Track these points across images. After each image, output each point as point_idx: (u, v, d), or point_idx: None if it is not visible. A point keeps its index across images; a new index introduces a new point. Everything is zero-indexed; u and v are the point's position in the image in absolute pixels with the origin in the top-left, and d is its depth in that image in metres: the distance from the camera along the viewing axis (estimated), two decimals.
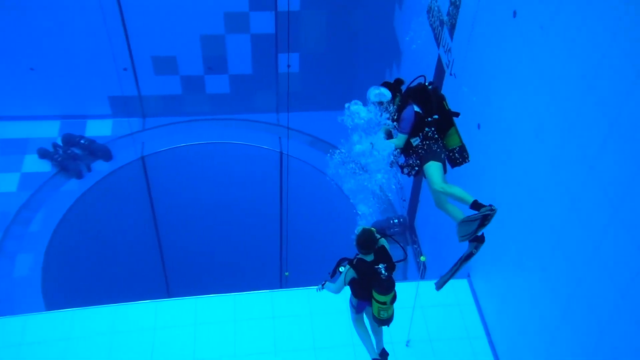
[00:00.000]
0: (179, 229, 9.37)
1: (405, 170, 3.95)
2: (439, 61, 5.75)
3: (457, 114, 3.84)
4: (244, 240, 9.64)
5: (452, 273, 3.76)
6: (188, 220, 9.33)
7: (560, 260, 3.71)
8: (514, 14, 4.00)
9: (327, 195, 8.15)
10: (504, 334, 4.74)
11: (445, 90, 5.59)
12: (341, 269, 3.92)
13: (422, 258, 5.38)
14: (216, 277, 9.94)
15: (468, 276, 5.38)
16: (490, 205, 3.40)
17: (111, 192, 8.09)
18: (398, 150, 3.86)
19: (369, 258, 3.75)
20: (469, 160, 3.85)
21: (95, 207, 7.88)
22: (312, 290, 5.29)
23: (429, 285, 5.27)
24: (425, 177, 3.93)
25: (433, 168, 3.75)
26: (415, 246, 6.97)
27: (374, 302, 3.75)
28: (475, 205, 3.45)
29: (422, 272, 6.16)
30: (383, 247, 3.80)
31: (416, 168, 3.87)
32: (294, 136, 8.40)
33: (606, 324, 3.23)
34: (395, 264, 3.81)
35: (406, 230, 7.24)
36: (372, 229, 3.85)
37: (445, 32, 5.50)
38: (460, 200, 3.56)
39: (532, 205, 4.08)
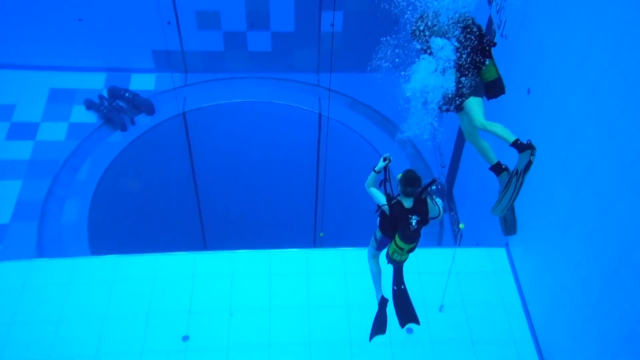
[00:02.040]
0: (217, 184, 9.53)
1: (444, 107, 3.97)
2: (490, 21, 5.50)
3: (494, 44, 3.79)
4: (279, 199, 9.74)
5: (514, 192, 3.65)
6: (226, 176, 9.48)
7: (607, 230, 3.59)
8: None
9: (365, 158, 8.10)
10: (541, 305, 4.68)
11: (495, 52, 5.38)
12: (371, 177, 3.92)
13: (461, 225, 5.32)
14: (251, 233, 10.13)
15: (506, 245, 5.29)
16: (529, 143, 3.44)
17: (153, 145, 8.26)
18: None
19: (407, 203, 3.72)
20: (505, 92, 3.83)
21: (138, 159, 8.08)
22: (346, 250, 5.36)
23: (465, 252, 5.25)
24: (458, 115, 3.96)
25: (474, 103, 3.74)
26: (453, 213, 6.89)
27: (393, 242, 3.78)
28: (517, 145, 3.48)
29: (458, 240, 6.10)
30: (425, 200, 3.77)
31: (455, 103, 3.87)
32: (333, 97, 8.29)
33: None
34: (430, 220, 3.81)
35: (444, 197, 7.14)
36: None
37: None
38: (501, 137, 3.56)
39: (580, 172, 3.93)
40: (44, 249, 6.38)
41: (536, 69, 4.59)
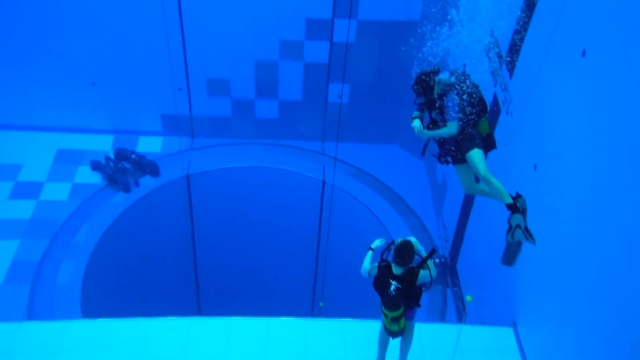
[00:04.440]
0: (216, 248, 9.40)
1: (443, 160, 4.18)
2: (495, 98, 5.62)
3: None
4: (279, 266, 9.56)
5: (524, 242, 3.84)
6: (226, 240, 9.37)
7: (621, 311, 3.44)
8: (583, 53, 3.87)
9: (367, 228, 8.03)
10: None
11: (500, 129, 5.45)
12: (368, 257, 4.06)
13: (469, 298, 5.17)
14: (249, 300, 9.86)
15: (514, 325, 5.09)
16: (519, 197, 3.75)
17: (155, 207, 8.24)
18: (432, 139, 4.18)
19: (397, 270, 3.79)
20: (496, 147, 4.14)
21: (139, 220, 8.02)
22: (346, 322, 5.19)
23: (470, 330, 5.05)
24: (456, 167, 4.20)
25: (478, 155, 3.98)
26: (456, 289, 6.69)
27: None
28: (511, 206, 3.75)
29: (463, 317, 5.89)
30: (415, 272, 3.80)
31: (449, 158, 4.14)
32: (338, 166, 8.37)
33: None
34: (421, 289, 3.83)
35: (447, 271, 6.98)
36: (415, 242, 3.90)
37: (504, 70, 5.39)
38: (498, 194, 3.82)
39: (588, 249, 3.84)
40: (34, 311, 6.17)
41: (542, 145, 4.62)
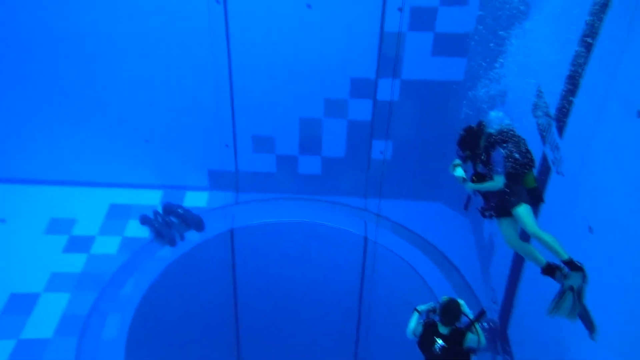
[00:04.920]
0: (258, 302, 9.37)
1: (487, 214, 4.13)
2: (544, 158, 5.52)
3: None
4: (320, 323, 9.39)
5: (576, 308, 3.69)
6: (267, 294, 9.33)
7: None
8: (638, 113, 3.78)
9: (410, 286, 7.84)
10: None
11: (551, 189, 5.32)
12: (414, 318, 4.03)
13: None
14: (289, 356, 9.67)
15: None
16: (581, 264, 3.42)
17: (199, 261, 8.34)
18: (477, 192, 4.20)
19: (443, 330, 3.64)
20: (544, 201, 4.13)
21: (183, 274, 8.12)
22: None
23: None
24: (499, 221, 4.01)
25: (526, 210, 3.92)
26: (508, 357, 6.35)
27: None
28: (570, 263, 3.58)
29: None
30: (462, 333, 3.65)
31: (493, 212, 4.10)
32: (380, 223, 8.31)
33: None
34: (469, 355, 3.68)
35: (496, 336, 6.66)
36: (462, 303, 3.79)
37: (553, 129, 5.32)
38: (553, 250, 3.63)
39: None
40: None
41: (598, 206, 4.46)
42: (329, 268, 8.98)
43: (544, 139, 5.53)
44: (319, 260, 8.98)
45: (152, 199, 8.59)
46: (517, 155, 4.17)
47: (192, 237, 8.22)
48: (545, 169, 5.43)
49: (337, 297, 9.02)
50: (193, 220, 8.33)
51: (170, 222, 8.21)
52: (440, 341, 3.69)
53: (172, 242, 8.06)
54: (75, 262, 7.43)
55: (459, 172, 4.50)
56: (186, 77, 7.83)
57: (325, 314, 9.23)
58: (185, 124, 8.26)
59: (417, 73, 7.61)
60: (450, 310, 3.73)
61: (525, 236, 4.41)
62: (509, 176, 4.17)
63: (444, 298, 3.94)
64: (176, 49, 7.57)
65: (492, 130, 4.37)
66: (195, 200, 8.74)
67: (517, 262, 6.23)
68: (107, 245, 7.76)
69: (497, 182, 4.09)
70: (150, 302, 7.46)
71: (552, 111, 5.34)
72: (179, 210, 8.36)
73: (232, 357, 9.61)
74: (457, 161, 4.66)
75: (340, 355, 9.13)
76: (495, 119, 4.40)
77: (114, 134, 8.27)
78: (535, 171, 4.65)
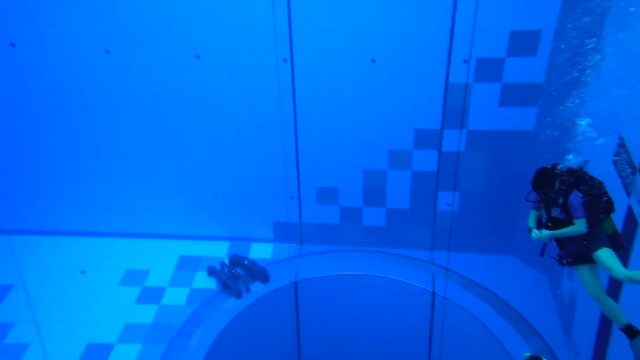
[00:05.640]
0: (322, 354, 9.17)
1: (565, 261, 4.00)
2: (630, 211, 5.16)
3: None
4: None
5: None
6: (332, 347, 9.12)
7: None
8: None
9: (483, 346, 7.41)
10: None
11: None
12: None
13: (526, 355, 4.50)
14: None
15: None
16: None
17: (264, 313, 8.33)
18: (552, 239, 4.07)
19: None
20: (626, 248, 3.92)
21: (248, 326, 8.12)
22: None
23: None
24: (578, 269, 3.96)
25: (608, 254, 3.72)
26: None
27: None
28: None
29: None
30: None
31: (570, 259, 3.96)
32: (449, 277, 8.01)
33: None
34: None
35: None
36: None
37: (638, 180, 4.99)
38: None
39: None
40: None
41: None
42: (394, 322, 8.69)
43: (628, 191, 5.19)
44: (385, 314, 8.72)
45: (220, 251, 8.78)
46: (596, 199, 4.00)
47: (257, 289, 8.25)
48: (632, 223, 5.07)
49: (404, 353, 8.65)
50: (258, 272, 8.39)
51: (236, 274, 8.31)
52: None
53: (238, 294, 8.12)
54: (147, 313, 7.63)
55: (534, 234, 4.34)
56: (254, 132, 8.11)
57: None
58: (252, 177, 8.49)
59: (484, 124, 7.48)
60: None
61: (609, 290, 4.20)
62: (589, 221, 4.01)
63: (526, 355, 3.69)
64: (246, 106, 7.90)
65: (567, 172, 4.24)
66: (261, 252, 8.84)
67: (605, 322, 5.74)
68: (177, 297, 7.94)
69: (579, 226, 3.94)
70: (216, 354, 7.48)
71: (637, 161, 5.04)
72: (245, 262, 8.47)
73: None
74: (532, 218, 4.51)
75: None
76: (571, 162, 4.27)
77: (185, 188, 8.62)
78: (614, 217, 4.40)
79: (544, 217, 4.36)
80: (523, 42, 6.78)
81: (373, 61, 7.37)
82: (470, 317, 7.53)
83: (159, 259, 8.56)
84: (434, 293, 8.05)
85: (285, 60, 7.43)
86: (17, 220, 8.79)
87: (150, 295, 7.94)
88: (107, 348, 7.07)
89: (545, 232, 4.13)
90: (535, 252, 5.67)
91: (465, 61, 7.06)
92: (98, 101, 7.98)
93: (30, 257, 8.23)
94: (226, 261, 8.56)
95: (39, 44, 7.55)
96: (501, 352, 6.88)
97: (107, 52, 7.52)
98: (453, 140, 7.68)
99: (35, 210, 8.78)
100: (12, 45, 7.53)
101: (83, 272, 8.24)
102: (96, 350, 7.03)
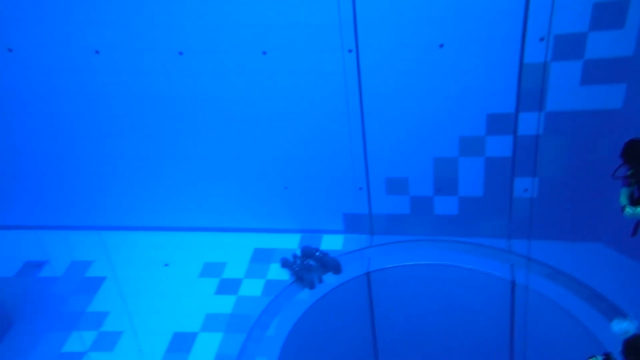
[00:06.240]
0: (397, 344, 9.13)
1: None
2: None
3: None
4: None
5: None
6: (407, 336, 9.06)
7: None
8: None
9: (572, 335, 7.05)
10: None
11: None
12: None
13: None
14: None
15: None
16: None
17: (337, 304, 8.39)
18: None
19: None
20: None
21: (322, 317, 8.23)
22: None
23: None
24: None
25: None
26: None
27: None
28: None
29: None
30: None
31: None
32: (530, 266, 7.66)
33: None
34: None
35: None
36: None
37: None
38: None
39: None
40: None
41: None
42: (471, 313, 8.47)
43: None
44: (460, 304, 8.51)
45: (291, 243, 8.93)
46: None
47: (330, 279, 8.32)
48: None
49: (484, 343, 8.43)
50: (330, 264, 8.45)
51: (309, 266, 8.42)
52: None
53: (311, 285, 8.23)
54: (226, 304, 7.92)
55: (628, 210, 4.02)
56: (321, 124, 8.14)
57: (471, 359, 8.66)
58: (321, 170, 8.54)
59: (564, 104, 7.05)
60: (637, 348, 3.19)
61: None
62: None
63: (628, 333, 3.41)
64: (313, 98, 7.93)
65: None
66: (332, 243, 8.90)
67: None
68: (253, 288, 8.18)
69: None
70: (292, 344, 7.64)
71: None
72: (317, 253, 8.56)
73: None
74: (623, 196, 4.16)
75: None
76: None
77: (256, 183, 8.82)
78: None
79: (637, 193, 4.04)
80: (608, 14, 6.30)
81: (441, 46, 7.15)
82: (556, 307, 7.19)
83: (235, 251, 8.85)
84: (513, 282, 7.75)
85: (350, 50, 7.38)
86: (107, 217, 9.41)
87: (228, 286, 8.23)
88: (191, 337, 7.43)
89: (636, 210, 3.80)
90: (628, 238, 5.28)
91: (541, 39, 6.66)
92: (173, 102, 8.30)
93: (120, 251, 8.79)
94: (298, 253, 8.69)
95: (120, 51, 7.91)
96: (591, 341, 6.50)
97: (180, 53, 7.80)
98: (530, 124, 7.30)
99: (123, 208, 9.35)
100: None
101: (166, 265, 8.70)
102: (182, 339, 7.40)
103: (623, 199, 4.08)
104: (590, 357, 3.65)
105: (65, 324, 7.79)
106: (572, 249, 7.86)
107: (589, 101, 6.88)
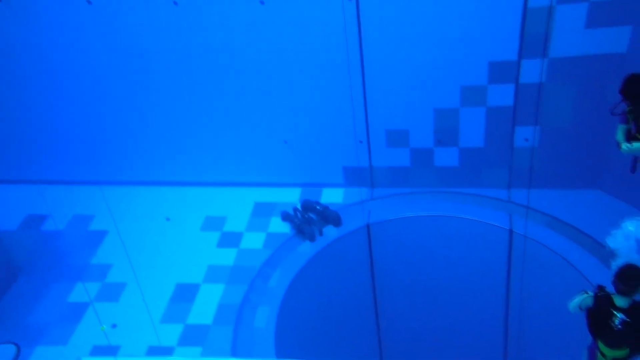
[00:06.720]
0: (397, 298, 9.30)
1: None
2: None
3: None
4: (464, 320, 9.03)
5: None
6: (406, 291, 9.22)
7: None
8: None
9: (566, 279, 7.17)
10: None
11: None
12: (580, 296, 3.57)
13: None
14: (432, 354, 9.45)
15: None
16: None
17: (338, 255, 8.51)
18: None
19: (621, 302, 3.11)
20: None
21: (323, 269, 8.35)
22: None
23: None
24: None
25: None
26: None
27: (597, 351, 3.31)
28: None
29: None
30: None
31: None
32: (528, 215, 7.70)
33: None
34: None
35: None
36: None
37: None
38: None
39: None
40: (237, 351, 6.73)
41: None
42: (470, 261, 8.58)
43: None
44: (460, 254, 8.62)
45: (292, 197, 8.96)
46: None
47: (330, 232, 8.40)
48: None
49: (482, 291, 8.59)
50: (331, 217, 8.51)
51: (309, 219, 8.48)
52: (620, 315, 3.17)
53: (311, 238, 8.31)
54: (227, 256, 8.03)
55: (625, 147, 3.99)
56: (320, 77, 8.02)
57: (470, 309, 8.85)
58: (320, 123, 8.47)
59: (567, 49, 6.89)
60: (629, 276, 3.21)
61: None
62: None
63: (622, 262, 3.44)
64: (312, 50, 7.78)
65: None
66: (332, 196, 8.93)
67: None
68: (254, 241, 8.26)
69: None
70: (294, 295, 7.79)
71: None
72: (317, 207, 8.60)
73: (374, 349, 9.66)
74: (620, 133, 4.12)
75: (488, 349, 8.67)
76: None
77: (256, 137, 8.77)
78: None
79: (634, 129, 4.00)
80: None
81: None
82: (552, 254, 7.27)
83: (235, 205, 8.89)
84: (511, 231, 7.82)
85: None
86: (108, 172, 9.44)
87: (230, 239, 8.32)
88: (194, 287, 7.57)
89: (637, 144, 3.78)
90: (626, 184, 5.27)
91: None
92: (170, 54, 8.15)
93: (121, 205, 8.85)
94: (299, 207, 8.73)
95: None
96: (586, 285, 6.59)
97: (175, 3, 7.61)
98: (533, 71, 7.17)
99: (124, 163, 9.36)
100: None
101: (168, 219, 8.77)
102: (185, 289, 7.55)
103: (619, 135, 4.03)
104: (582, 292, 3.70)
105: (70, 276, 7.95)
106: (570, 197, 7.87)
107: (594, 45, 6.72)
